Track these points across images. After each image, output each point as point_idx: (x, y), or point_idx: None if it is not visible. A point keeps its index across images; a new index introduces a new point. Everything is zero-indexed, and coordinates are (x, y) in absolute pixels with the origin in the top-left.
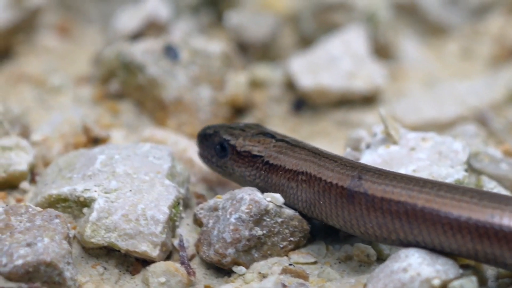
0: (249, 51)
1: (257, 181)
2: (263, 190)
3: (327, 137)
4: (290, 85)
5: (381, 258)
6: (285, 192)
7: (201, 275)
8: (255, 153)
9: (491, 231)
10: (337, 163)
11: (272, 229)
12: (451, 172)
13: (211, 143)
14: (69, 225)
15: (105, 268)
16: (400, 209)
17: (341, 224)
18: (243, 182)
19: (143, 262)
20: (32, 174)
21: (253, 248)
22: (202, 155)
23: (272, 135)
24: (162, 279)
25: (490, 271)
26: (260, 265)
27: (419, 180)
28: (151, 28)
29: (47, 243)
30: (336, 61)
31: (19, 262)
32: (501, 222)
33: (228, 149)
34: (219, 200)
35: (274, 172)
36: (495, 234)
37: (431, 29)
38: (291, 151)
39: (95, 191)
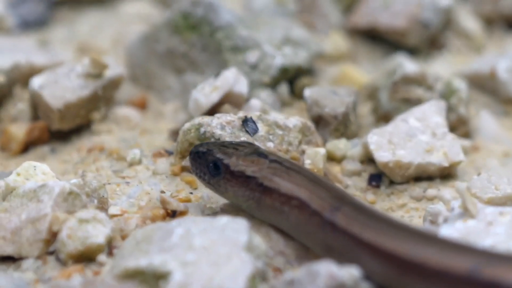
0: (327, 125)
1: (250, 201)
2: (254, 211)
3: (405, 211)
4: (368, 159)
5: None
6: (277, 216)
7: None
8: (249, 173)
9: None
10: (330, 193)
11: None
12: None
13: (204, 161)
14: None
15: None
16: (352, 241)
17: (318, 251)
18: (236, 201)
19: None
20: (109, 247)
21: None
22: (195, 173)
23: (265, 156)
24: None
25: None
26: None
27: (383, 218)
28: (230, 101)
29: None
30: (414, 136)
31: None
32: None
33: (221, 168)
34: (296, 273)
35: (268, 195)
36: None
37: (509, 104)
38: (286, 174)
39: (172, 264)
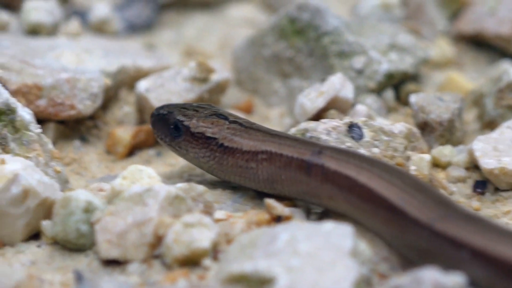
0: (432, 131)
1: (211, 162)
2: (216, 171)
3: (510, 218)
4: (473, 166)
5: None
6: (244, 174)
7: None
8: (209, 134)
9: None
10: (298, 141)
11: None
12: None
13: (165, 123)
14: None
15: None
16: (345, 184)
17: (301, 197)
18: (197, 163)
19: None
20: (214, 252)
21: None
22: (156, 135)
23: (225, 117)
24: None
25: None
26: None
27: (373, 161)
28: (335, 107)
29: None
30: None
31: None
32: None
33: (182, 130)
34: (400, 280)
35: (230, 154)
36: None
37: None
38: (246, 133)
39: (277, 270)
